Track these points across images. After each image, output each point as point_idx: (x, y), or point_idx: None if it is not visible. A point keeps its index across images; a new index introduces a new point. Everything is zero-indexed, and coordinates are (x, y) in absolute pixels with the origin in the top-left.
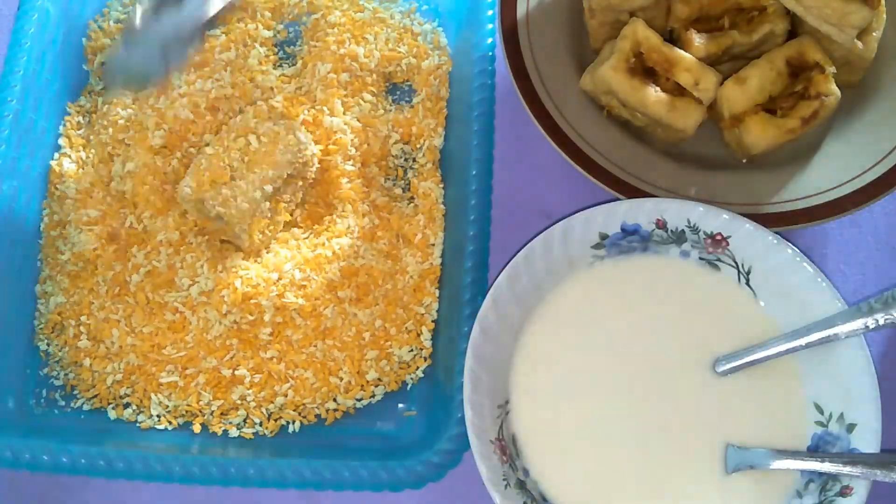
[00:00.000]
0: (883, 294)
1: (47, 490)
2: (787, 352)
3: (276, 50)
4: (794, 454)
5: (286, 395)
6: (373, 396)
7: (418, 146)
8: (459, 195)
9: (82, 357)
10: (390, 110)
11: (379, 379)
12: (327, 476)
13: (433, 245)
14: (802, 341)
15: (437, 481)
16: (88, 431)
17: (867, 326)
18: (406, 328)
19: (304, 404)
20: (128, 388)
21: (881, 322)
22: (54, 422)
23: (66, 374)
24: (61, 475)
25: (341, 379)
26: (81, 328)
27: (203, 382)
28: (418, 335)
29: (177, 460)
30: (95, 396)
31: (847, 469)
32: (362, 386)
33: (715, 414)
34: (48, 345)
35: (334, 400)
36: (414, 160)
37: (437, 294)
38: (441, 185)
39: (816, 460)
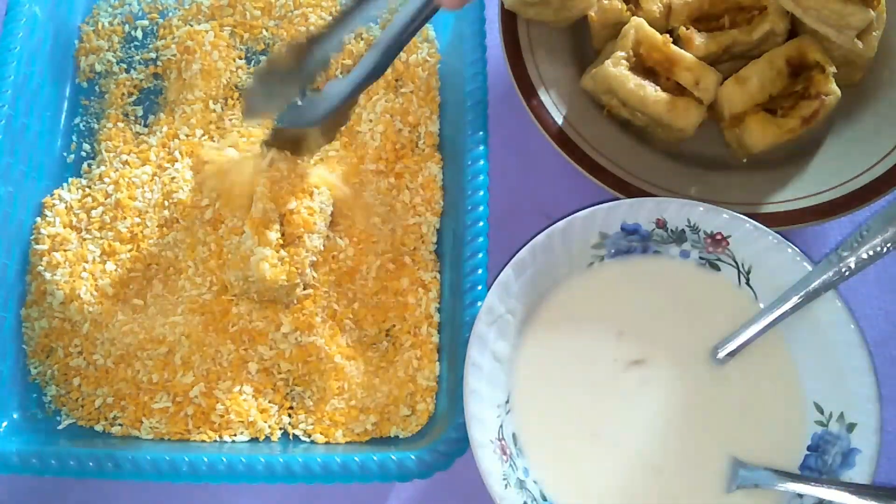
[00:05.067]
0: (846, 240)
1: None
2: (777, 321)
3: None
4: (801, 478)
5: (297, 427)
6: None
7: (417, 133)
8: (456, 189)
9: (72, 376)
10: (393, 100)
11: (399, 431)
12: (335, 469)
13: (431, 240)
14: (787, 306)
15: (445, 470)
16: (87, 436)
17: (842, 273)
18: (419, 373)
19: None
20: (118, 411)
21: (853, 266)
22: (56, 430)
23: (57, 389)
24: (68, 478)
25: (354, 430)
26: (71, 349)
27: (191, 414)
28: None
29: (184, 459)
30: (82, 417)
31: (853, 500)
32: (379, 432)
33: (716, 415)
34: (39, 364)
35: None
36: (416, 146)
37: (439, 299)
38: (440, 166)
39: (823, 486)
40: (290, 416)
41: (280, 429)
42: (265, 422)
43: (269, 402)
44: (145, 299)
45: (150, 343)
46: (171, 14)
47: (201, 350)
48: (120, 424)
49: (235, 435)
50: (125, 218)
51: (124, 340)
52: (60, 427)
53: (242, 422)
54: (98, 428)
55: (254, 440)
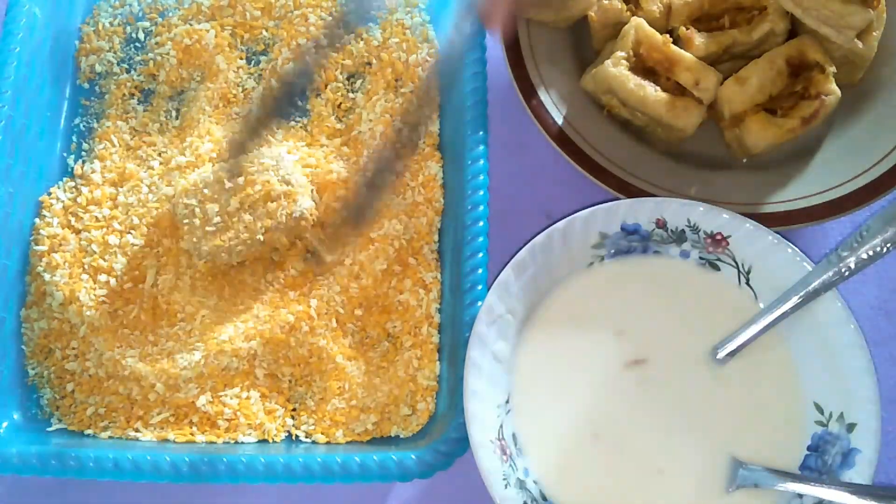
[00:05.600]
0: (846, 240)
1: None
2: (777, 321)
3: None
4: (800, 478)
5: (300, 428)
6: (391, 437)
7: (417, 133)
8: (456, 189)
9: (66, 380)
10: (393, 99)
11: (400, 431)
12: (336, 469)
13: (434, 238)
14: (787, 306)
15: (445, 469)
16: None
17: (842, 273)
18: (420, 368)
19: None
20: (110, 421)
21: (853, 266)
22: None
23: (52, 393)
24: (70, 479)
25: (354, 430)
26: (68, 351)
27: (196, 421)
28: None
29: (184, 459)
30: (73, 423)
31: (853, 500)
32: (380, 432)
33: (716, 415)
34: (37, 365)
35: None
36: (416, 145)
37: (440, 299)
38: (440, 165)
39: (823, 486)
40: (292, 417)
41: (285, 431)
42: (272, 423)
43: (276, 403)
44: (153, 334)
45: (163, 377)
46: (170, 14)
47: (210, 367)
48: (111, 437)
49: (240, 437)
50: (117, 218)
51: (135, 373)
52: (50, 429)
53: (250, 424)
54: (88, 432)
55: (261, 442)
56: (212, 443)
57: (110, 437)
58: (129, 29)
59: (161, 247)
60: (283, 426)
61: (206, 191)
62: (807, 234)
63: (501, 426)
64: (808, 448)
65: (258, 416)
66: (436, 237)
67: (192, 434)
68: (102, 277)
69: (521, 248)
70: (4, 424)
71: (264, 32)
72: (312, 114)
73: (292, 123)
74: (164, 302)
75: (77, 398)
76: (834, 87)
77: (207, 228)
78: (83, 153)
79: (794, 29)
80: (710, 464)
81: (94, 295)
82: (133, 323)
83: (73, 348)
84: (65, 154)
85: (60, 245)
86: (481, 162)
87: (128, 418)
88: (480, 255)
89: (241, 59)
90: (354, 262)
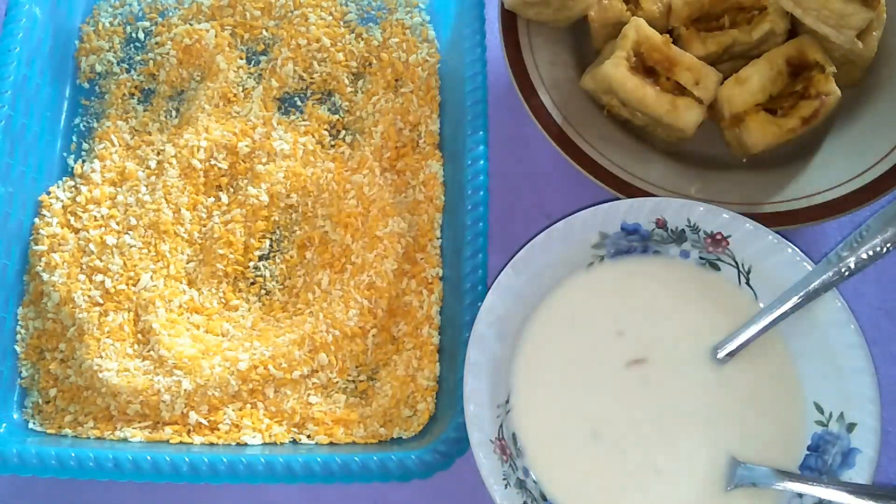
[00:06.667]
0: (846, 240)
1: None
2: (777, 321)
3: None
4: (799, 477)
5: (297, 432)
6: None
7: (418, 132)
8: (457, 189)
9: (51, 385)
10: (393, 99)
11: (401, 432)
12: (336, 469)
13: (437, 235)
14: (787, 306)
15: (445, 470)
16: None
17: (842, 273)
18: (424, 376)
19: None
20: (94, 427)
21: (853, 266)
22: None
23: (37, 396)
24: (69, 479)
25: (355, 433)
26: (56, 353)
27: (193, 423)
28: (429, 362)
29: (184, 459)
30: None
31: (853, 500)
32: (381, 437)
33: (716, 415)
34: (31, 367)
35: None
36: (416, 144)
37: (441, 299)
38: (441, 163)
39: (823, 486)
40: (297, 427)
41: (291, 437)
42: (280, 426)
43: (277, 421)
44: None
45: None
46: (170, 14)
47: (197, 390)
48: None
49: (244, 438)
50: (115, 217)
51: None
52: (30, 428)
53: (255, 427)
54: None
55: (268, 444)
56: (212, 444)
57: (99, 438)
58: (129, 29)
59: (157, 250)
60: (288, 431)
61: None
62: (807, 234)
63: (501, 426)
64: (808, 448)
65: (263, 421)
66: (438, 233)
67: (188, 436)
68: (98, 277)
69: (521, 248)
70: (4, 425)
71: (264, 32)
72: (312, 118)
73: (293, 118)
74: (150, 314)
75: (58, 405)
76: (834, 87)
77: None
78: (83, 153)
79: (794, 29)
80: (710, 463)
81: (89, 296)
82: (116, 332)
83: (61, 351)
84: (65, 154)
85: (59, 245)
86: (481, 162)
87: (108, 427)
88: (480, 255)
89: (241, 58)
90: (370, 266)
